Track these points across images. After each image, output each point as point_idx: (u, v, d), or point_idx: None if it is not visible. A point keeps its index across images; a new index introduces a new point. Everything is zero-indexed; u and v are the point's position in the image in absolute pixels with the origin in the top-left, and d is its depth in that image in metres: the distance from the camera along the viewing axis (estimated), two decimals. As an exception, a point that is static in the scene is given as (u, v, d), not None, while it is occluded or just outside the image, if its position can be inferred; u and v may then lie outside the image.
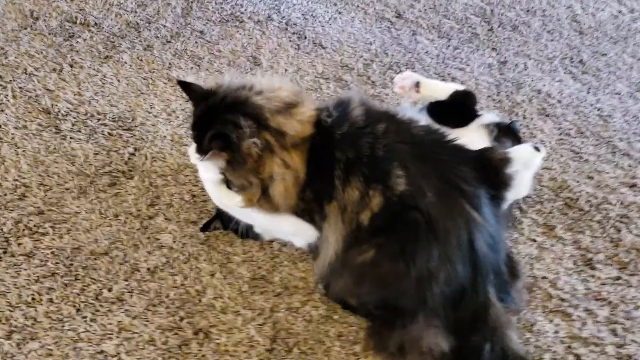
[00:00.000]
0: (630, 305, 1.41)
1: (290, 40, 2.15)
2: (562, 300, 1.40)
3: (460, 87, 1.49)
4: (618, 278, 1.48)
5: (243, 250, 1.38)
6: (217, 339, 1.18)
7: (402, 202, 1.14)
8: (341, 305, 1.31)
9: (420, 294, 1.16)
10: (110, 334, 1.14)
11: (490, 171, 1.20)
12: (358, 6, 2.48)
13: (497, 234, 1.21)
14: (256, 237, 1.34)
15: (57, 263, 1.24)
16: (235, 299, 1.26)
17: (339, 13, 2.39)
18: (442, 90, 1.46)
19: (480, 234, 1.16)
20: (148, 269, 1.28)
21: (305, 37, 2.19)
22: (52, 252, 1.27)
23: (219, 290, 1.27)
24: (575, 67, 2.33)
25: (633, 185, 1.81)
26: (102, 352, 1.11)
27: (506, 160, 1.23)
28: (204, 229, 1.37)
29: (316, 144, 1.18)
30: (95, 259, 1.28)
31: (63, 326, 1.14)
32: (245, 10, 2.26)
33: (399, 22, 2.45)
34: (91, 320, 1.16)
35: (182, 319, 1.20)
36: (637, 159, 1.92)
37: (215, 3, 2.26)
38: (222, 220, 1.35)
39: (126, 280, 1.25)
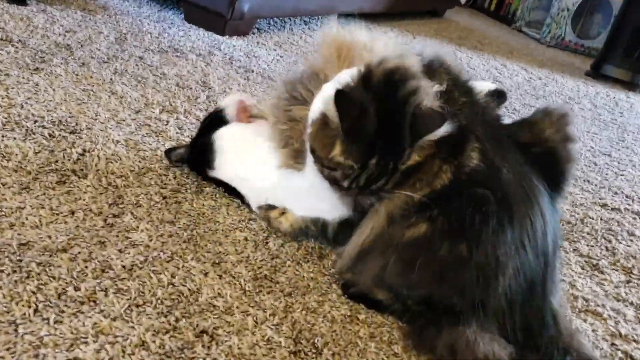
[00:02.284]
0: (651, 305, 1.31)
1: (237, 72, 2.00)
2: (587, 300, 1.28)
3: (493, 86, 1.37)
4: (629, 281, 1.41)
5: (235, 250, 1.12)
6: (227, 340, 0.90)
7: (471, 179, 0.95)
8: (365, 303, 1.07)
9: (482, 290, 0.95)
10: (84, 337, 0.83)
11: (553, 170, 1.06)
12: (297, 53, 2.41)
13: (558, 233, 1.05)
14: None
15: (0, 259, 0.92)
16: (239, 298, 0.99)
17: (281, 57, 2.30)
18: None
19: (551, 227, 0.99)
20: (123, 266, 0.99)
21: (253, 71, 2.05)
22: (-9, 247, 0.95)
23: (218, 290, 1.00)
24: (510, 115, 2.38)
25: (604, 205, 1.83)
26: (75, 359, 0.79)
27: (572, 160, 1.09)
28: (167, 152, 1.30)
29: None
30: (50, 255, 0.96)
31: (16, 329, 0.81)
32: (184, 45, 2.10)
33: (341, 67, 2.39)
34: (56, 322, 0.84)
35: (177, 320, 0.91)
36: (597, 184, 1.95)
37: (151, 37, 2.08)
38: (191, 158, 1.28)
39: (96, 278, 0.94)
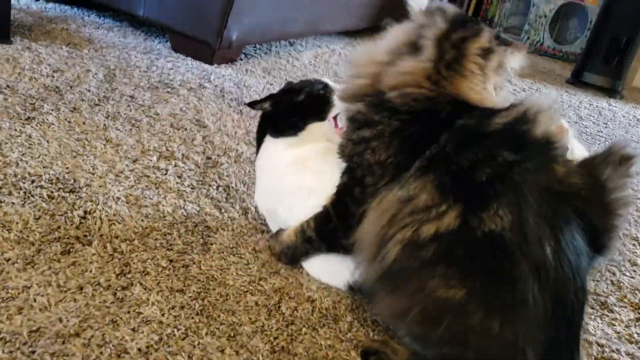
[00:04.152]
0: (660, 345, 1.32)
1: (230, 106, 1.96)
2: (601, 346, 1.28)
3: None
4: (638, 319, 1.41)
5: (249, 319, 1.09)
6: None
7: (500, 244, 0.91)
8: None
9: None
10: None
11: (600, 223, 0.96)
12: (286, 79, 2.38)
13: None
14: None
15: (12, 352, 0.88)
16: (259, 376, 0.96)
17: (270, 85, 2.27)
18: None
19: (582, 304, 0.95)
20: (139, 349, 0.95)
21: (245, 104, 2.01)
22: (2, 340, 0.91)
23: (237, 368, 0.96)
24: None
25: None
26: None
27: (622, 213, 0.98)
28: (251, 104, 1.32)
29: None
30: (63, 342, 0.93)
31: None
32: (174, 78, 2.06)
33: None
34: (77, 423, 0.80)
35: (200, 408, 0.87)
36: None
37: (140, 71, 2.03)
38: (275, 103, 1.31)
39: (113, 365, 0.91)
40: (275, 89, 2.21)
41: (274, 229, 1.32)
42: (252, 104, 1.33)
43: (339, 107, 1.27)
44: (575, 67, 3.84)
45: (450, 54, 1.04)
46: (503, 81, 1.11)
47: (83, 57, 2.00)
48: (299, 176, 1.26)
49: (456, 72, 1.03)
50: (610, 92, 3.66)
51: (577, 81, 3.74)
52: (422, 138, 1.01)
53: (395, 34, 1.10)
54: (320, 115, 1.29)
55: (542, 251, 0.89)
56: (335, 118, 1.29)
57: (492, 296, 0.90)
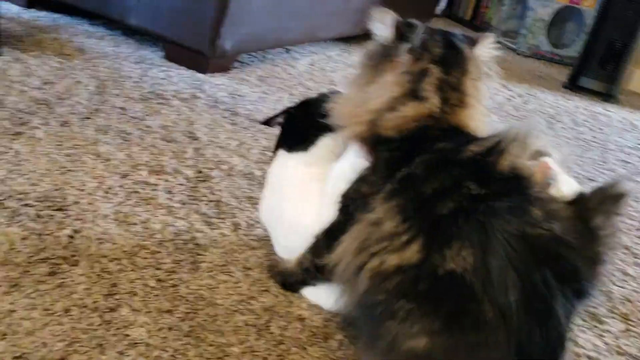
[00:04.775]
0: (651, 357, 1.32)
1: (223, 117, 1.95)
2: (590, 358, 1.27)
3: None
4: (628, 330, 1.41)
5: (238, 340, 1.09)
6: None
7: (462, 286, 0.88)
8: None
9: None
10: None
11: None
12: (281, 88, 2.37)
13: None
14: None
15: (-5, 380, 0.87)
16: (247, 400, 0.96)
17: (265, 94, 2.26)
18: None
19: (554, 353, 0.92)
20: (125, 373, 0.94)
21: (239, 114, 2.01)
22: (-15, 366, 0.90)
23: (224, 392, 0.96)
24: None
25: None
26: None
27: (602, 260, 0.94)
28: (266, 122, 1.33)
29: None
30: (48, 368, 0.92)
31: None
32: (167, 89, 2.05)
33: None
34: None
35: None
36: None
37: (132, 81, 2.02)
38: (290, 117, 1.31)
39: (98, 392, 0.90)
40: (271, 98, 2.21)
41: (274, 243, 1.31)
42: (267, 122, 1.33)
43: None
44: (571, 71, 3.83)
45: (454, 97, 1.05)
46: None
47: (74, 68, 2.00)
48: (299, 207, 1.25)
49: (459, 107, 1.05)
50: (607, 96, 3.66)
51: (573, 86, 3.74)
52: (403, 159, 1.00)
53: (389, 83, 1.08)
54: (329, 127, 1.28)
55: (506, 295, 0.87)
56: None
57: (456, 344, 0.89)
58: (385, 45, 1.11)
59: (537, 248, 0.90)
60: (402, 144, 1.04)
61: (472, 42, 1.12)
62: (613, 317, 1.47)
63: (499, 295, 0.87)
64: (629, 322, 1.47)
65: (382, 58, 1.10)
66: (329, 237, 1.12)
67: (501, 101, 3.15)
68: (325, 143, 1.27)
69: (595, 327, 1.42)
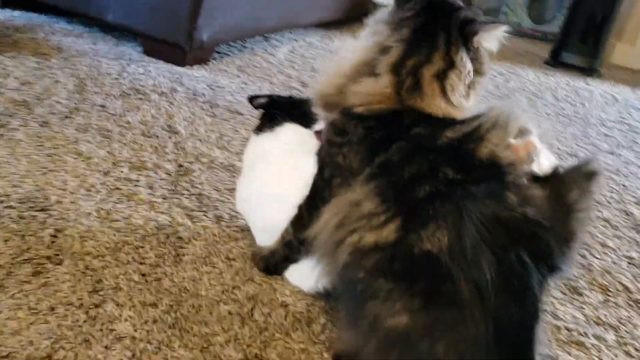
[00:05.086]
0: (628, 325, 1.36)
1: (203, 109, 1.96)
2: (569, 330, 1.31)
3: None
4: (606, 301, 1.44)
5: (222, 329, 1.11)
6: None
7: (437, 266, 0.91)
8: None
9: None
10: None
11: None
12: (261, 77, 2.38)
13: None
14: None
15: (-17, 380, 0.89)
16: (232, 387, 0.98)
17: (245, 84, 2.27)
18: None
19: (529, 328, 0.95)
20: (111, 367, 0.97)
21: (218, 106, 2.02)
22: (-28, 367, 0.92)
23: (209, 380, 0.98)
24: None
25: None
26: None
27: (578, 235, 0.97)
28: (250, 99, 1.35)
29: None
30: (35, 365, 0.94)
31: None
32: (146, 83, 2.06)
33: (307, 89, 2.38)
34: None
35: (173, 423, 0.89)
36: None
37: (111, 78, 2.03)
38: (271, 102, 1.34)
39: (85, 386, 0.92)
40: (251, 87, 2.22)
41: (254, 231, 1.33)
42: (252, 99, 1.37)
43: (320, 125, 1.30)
44: (553, 47, 3.85)
45: (408, 81, 1.04)
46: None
47: (52, 67, 2.00)
48: (274, 180, 1.28)
49: (417, 94, 1.04)
50: (588, 71, 3.69)
51: (555, 62, 3.76)
52: (381, 144, 1.02)
53: (357, 48, 1.10)
54: (304, 121, 1.31)
55: (482, 273, 0.90)
56: (318, 132, 1.31)
57: (435, 322, 0.92)
58: (384, 14, 1.11)
59: (511, 229, 0.92)
60: (378, 125, 1.05)
61: (475, 30, 1.07)
62: (592, 289, 1.51)
63: (474, 274, 0.90)
64: (608, 293, 1.51)
65: (377, 26, 1.10)
66: (310, 205, 1.15)
67: (479, 90, 3.16)
68: (292, 128, 1.30)
69: (575, 299, 1.46)
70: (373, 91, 1.05)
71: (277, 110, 1.34)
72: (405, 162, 0.98)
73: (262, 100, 1.36)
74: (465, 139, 0.98)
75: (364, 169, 1.03)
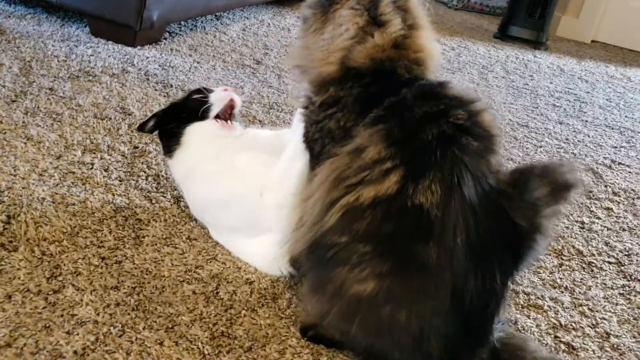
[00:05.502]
0: (582, 287, 1.41)
1: (155, 90, 1.92)
2: (527, 294, 1.35)
3: None
4: (561, 265, 1.49)
5: (187, 308, 1.11)
6: (196, 417, 0.89)
7: (417, 222, 0.94)
8: (324, 343, 1.09)
9: (417, 351, 0.97)
10: None
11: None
12: (214, 56, 2.34)
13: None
14: None
15: (-60, 371, 0.87)
16: (200, 365, 0.98)
17: (198, 63, 2.23)
18: None
19: (485, 304, 0.98)
20: (75, 352, 0.95)
21: (172, 86, 1.98)
22: None
23: None
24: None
25: None
26: None
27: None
28: (140, 128, 1.31)
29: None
30: (-5, 355, 0.91)
31: None
32: (95, 65, 2.00)
33: (260, 67, 2.36)
34: None
35: (141, 404, 0.89)
36: (520, 161, 2.02)
37: (58, 61, 1.96)
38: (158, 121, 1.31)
39: (48, 372, 0.90)
40: (204, 67, 2.18)
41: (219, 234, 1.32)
42: (141, 127, 1.32)
43: (217, 105, 1.31)
44: (501, 21, 3.91)
45: (408, 17, 1.09)
46: None
47: (-5, 50, 1.92)
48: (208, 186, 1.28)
49: (416, 28, 1.09)
50: (536, 44, 3.76)
51: (503, 35, 3.82)
52: (383, 93, 1.04)
53: (349, 19, 1.09)
54: (201, 117, 1.30)
55: (454, 241, 0.93)
56: (218, 117, 1.31)
57: (399, 287, 0.95)
58: None
59: (492, 197, 0.96)
60: (374, 80, 1.06)
61: None
62: (548, 254, 1.55)
63: (448, 239, 0.93)
64: (562, 257, 1.56)
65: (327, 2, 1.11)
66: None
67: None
68: (196, 127, 1.29)
69: (531, 264, 1.50)
70: (381, 42, 1.07)
71: (171, 124, 1.31)
72: (419, 101, 1.01)
73: (151, 124, 1.32)
74: (468, 101, 1.03)
75: (360, 117, 1.04)
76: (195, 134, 1.28)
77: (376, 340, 1.00)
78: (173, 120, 1.30)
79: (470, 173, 0.95)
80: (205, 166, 1.26)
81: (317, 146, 1.11)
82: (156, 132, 1.34)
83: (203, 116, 1.28)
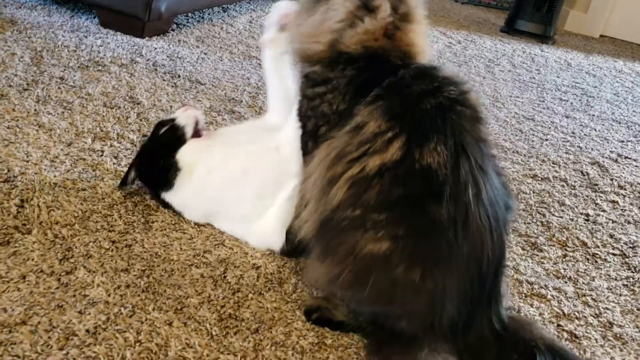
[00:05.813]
0: (586, 277, 1.42)
1: (164, 80, 1.95)
2: (531, 283, 1.36)
3: None
4: (565, 255, 1.50)
5: (195, 291, 1.13)
6: (205, 395, 0.91)
7: (427, 183, 0.96)
8: (329, 326, 1.11)
9: (429, 316, 0.99)
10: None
11: None
12: (221, 47, 2.36)
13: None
14: None
15: (-44, 346, 0.89)
16: (208, 345, 1.01)
17: (205, 54, 2.25)
18: None
19: (498, 261, 1.02)
20: (87, 330, 0.98)
21: (179, 76, 2.00)
22: (-55, 334, 0.92)
23: (185, 340, 1.00)
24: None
25: (534, 176, 1.91)
26: None
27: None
28: (123, 184, 1.32)
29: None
30: (10, 331, 0.94)
31: None
32: (104, 55, 2.02)
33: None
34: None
35: (151, 381, 0.91)
36: (525, 154, 2.03)
37: (68, 51, 1.99)
38: (140, 169, 1.31)
39: (62, 349, 0.93)
40: (211, 58, 2.20)
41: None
42: (124, 182, 1.33)
43: (188, 124, 1.33)
44: (508, 15, 3.91)
45: (402, 6, 1.10)
46: None
47: (7, 40, 1.95)
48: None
49: (409, 21, 1.11)
50: (543, 38, 3.76)
51: (510, 29, 3.82)
52: (379, 77, 1.06)
53: (340, 2, 1.11)
54: (179, 144, 1.31)
55: (466, 197, 0.95)
56: (196, 133, 1.34)
57: (414, 246, 0.96)
58: None
59: (487, 157, 1.02)
60: (368, 64, 1.08)
61: None
62: (552, 245, 1.57)
63: (460, 195, 0.96)
64: (567, 248, 1.57)
65: None
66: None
67: (441, 48, 3.20)
68: (187, 147, 1.31)
69: (535, 255, 1.51)
70: (372, 28, 1.08)
71: (152, 165, 1.31)
72: (416, 80, 1.04)
73: (132, 174, 1.32)
74: (459, 82, 1.07)
75: (359, 99, 1.05)
76: (190, 152, 1.30)
77: (387, 306, 1.01)
78: (153, 161, 1.30)
79: (470, 134, 0.99)
80: (219, 168, 1.28)
81: (310, 124, 1.13)
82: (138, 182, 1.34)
83: (182, 142, 1.30)
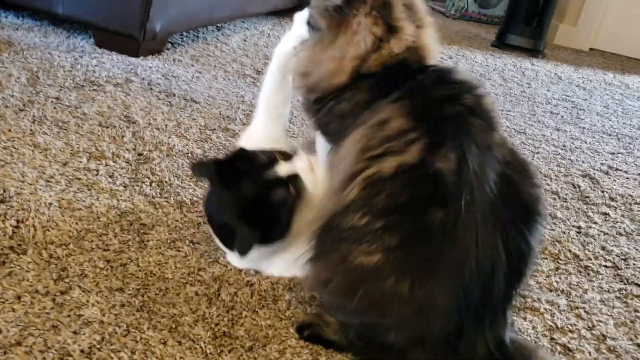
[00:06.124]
0: (579, 290, 1.43)
1: (159, 99, 1.97)
2: (523, 297, 1.37)
3: None
4: (558, 268, 1.51)
5: (190, 309, 1.14)
6: (200, 413, 0.91)
7: (434, 187, 0.98)
8: (321, 343, 1.11)
9: (418, 328, 0.99)
10: None
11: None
12: (215, 66, 2.39)
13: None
14: None
15: (-48, 368, 0.90)
16: (202, 363, 1.01)
17: (200, 72, 2.28)
18: None
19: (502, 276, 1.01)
20: (82, 351, 0.98)
21: (174, 95, 2.02)
22: (-59, 356, 0.92)
23: (180, 359, 1.01)
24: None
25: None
26: None
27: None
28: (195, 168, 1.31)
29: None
30: (5, 352, 0.95)
31: None
32: (100, 75, 2.04)
33: (260, 77, 2.38)
34: None
35: (146, 400, 0.92)
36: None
37: (64, 71, 2.01)
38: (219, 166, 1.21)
39: (57, 369, 0.94)
40: (205, 76, 2.22)
41: None
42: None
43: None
44: (498, 30, 3.96)
45: (416, 16, 1.13)
46: None
47: (3, 61, 1.97)
48: None
49: (422, 27, 1.14)
50: (533, 52, 3.80)
51: (501, 44, 3.86)
52: (400, 79, 1.08)
53: (366, 28, 1.10)
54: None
55: (467, 205, 0.96)
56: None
57: (405, 258, 0.97)
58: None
59: (497, 164, 1.01)
60: (389, 71, 1.09)
61: None
62: (544, 258, 1.58)
63: (470, 191, 0.96)
64: (559, 261, 1.58)
65: (341, 9, 1.10)
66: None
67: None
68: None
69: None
70: (398, 49, 1.09)
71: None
72: (435, 85, 1.07)
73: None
74: (472, 87, 1.09)
75: (378, 101, 1.07)
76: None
77: (376, 317, 1.01)
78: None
79: (476, 144, 0.99)
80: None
81: (333, 125, 1.15)
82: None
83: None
